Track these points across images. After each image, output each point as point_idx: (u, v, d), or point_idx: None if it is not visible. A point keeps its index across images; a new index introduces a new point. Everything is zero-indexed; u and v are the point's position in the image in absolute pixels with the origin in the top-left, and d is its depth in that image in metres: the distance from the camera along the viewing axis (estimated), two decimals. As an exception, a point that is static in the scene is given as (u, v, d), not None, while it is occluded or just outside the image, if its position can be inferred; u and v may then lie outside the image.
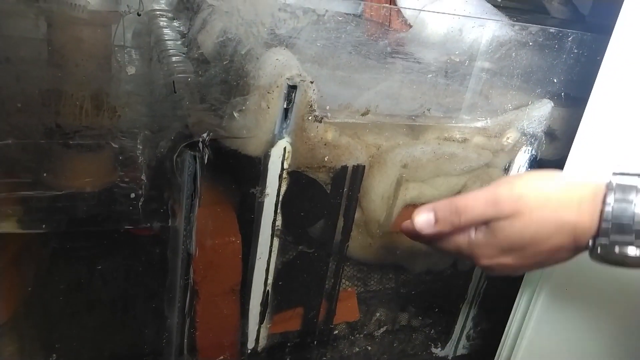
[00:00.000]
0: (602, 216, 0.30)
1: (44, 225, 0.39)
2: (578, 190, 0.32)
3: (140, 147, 0.41)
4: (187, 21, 0.69)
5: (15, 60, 0.36)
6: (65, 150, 0.38)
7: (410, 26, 0.57)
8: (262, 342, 0.51)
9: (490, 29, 0.53)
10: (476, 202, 0.34)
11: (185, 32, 0.68)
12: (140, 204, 0.41)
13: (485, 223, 0.34)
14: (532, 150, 0.56)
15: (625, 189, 0.30)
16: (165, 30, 0.67)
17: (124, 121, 0.39)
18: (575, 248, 0.33)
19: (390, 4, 0.62)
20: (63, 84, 0.37)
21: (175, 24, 0.72)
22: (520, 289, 0.54)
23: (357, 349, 0.59)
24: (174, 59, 0.56)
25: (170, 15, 0.76)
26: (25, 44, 0.37)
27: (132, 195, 0.41)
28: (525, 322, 0.54)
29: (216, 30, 0.54)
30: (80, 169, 0.39)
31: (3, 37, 0.35)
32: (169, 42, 0.62)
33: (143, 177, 0.41)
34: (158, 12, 0.74)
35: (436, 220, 0.35)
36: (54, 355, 0.44)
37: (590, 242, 0.31)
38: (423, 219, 0.36)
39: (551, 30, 0.54)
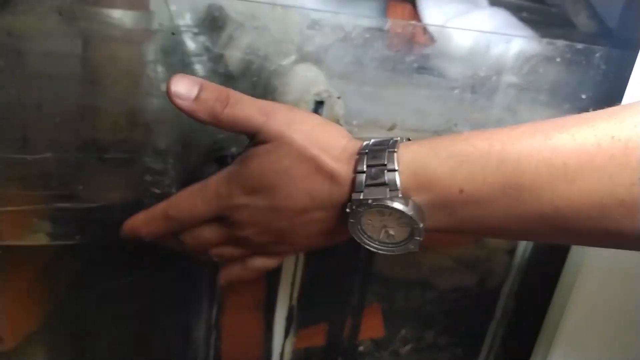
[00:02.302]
0: (356, 167, 0.30)
1: (78, 237, 0.40)
2: (341, 140, 0.31)
3: (172, 161, 0.41)
4: (213, 37, 0.71)
5: (55, 76, 0.37)
6: (100, 163, 0.39)
7: (435, 41, 0.57)
8: (287, 357, 0.51)
9: (517, 44, 0.53)
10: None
11: (211, 47, 0.69)
12: (170, 217, 0.42)
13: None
14: (561, 165, 0.55)
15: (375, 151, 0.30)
16: (191, 46, 0.68)
17: (156, 136, 0.40)
18: (330, 204, 0.30)
19: (414, 19, 0.63)
20: (99, 100, 0.38)
21: (201, 39, 0.74)
22: (549, 309, 0.53)
23: (382, 367, 0.58)
24: (200, 74, 0.57)
25: (195, 30, 0.78)
26: (64, 61, 0.38)
27: (163, 208, 0.41)
28: (554, 342, 0.53)
29: (243, 46, 0.55)
30: (113, 182, 0.40)
31: (45, 54, 0.37)
32: (194, 58, 0.64)
33: (174, 190, 0.41)
34: (183, 28, 0.76)
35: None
36: (83, 365, 0.45)
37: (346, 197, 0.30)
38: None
39: (579, 46, 0.54)
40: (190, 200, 0.32)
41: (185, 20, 0.80)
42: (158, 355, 0.49)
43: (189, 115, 0.32)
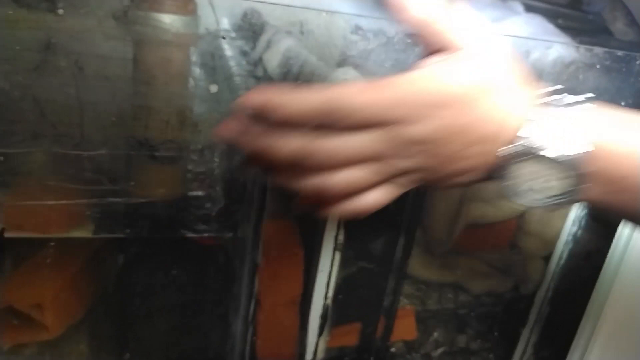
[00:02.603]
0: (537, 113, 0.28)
1: (127, 231, 0.42)
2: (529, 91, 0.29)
3: (217, 161, 0.43)
4: (251, 41, 0.73)
5: (112, 78, 0.39)
6: (150, 161, 0.41)
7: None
8: (320, 355, 0.52)
9: (555, 50, 0.53)
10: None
11: (249, 51, 0.71)
12: (214, 213, 0.43)
13: None
14: (599, 172, 0.54)
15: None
16: (229, 50, 0.70)
17: (204, 135, 0.42)
18: (500, 140, 0.27)
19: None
20: (152, 101, 0.40)
21: (239, 43, 0.76)
22: (584, 315, 0.53)
23: (413, 369, 0.58)
24: (238, 77, 0.58)
25: (233, 35, 0.79)
26: (120, 63, 0.40)
27: (208, 205, 0.43)
28: (587, 351, 0.52)
29: (282, 50, 0.56)
30: (162, 179, 0.42)
31: (103, 57, 0.39)
32: (232, 61, 0.65)
33: (218, 188, 0.43)
34: (222, 33, 0.78)
35: None
36: (128, 354, 0.47)
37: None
38: None
39: (619, 53, 0.53)
40: (367, 95, 0.26)
41: (224, 25, 0.82)
42: (196, 347, 0.50)
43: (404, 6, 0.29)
